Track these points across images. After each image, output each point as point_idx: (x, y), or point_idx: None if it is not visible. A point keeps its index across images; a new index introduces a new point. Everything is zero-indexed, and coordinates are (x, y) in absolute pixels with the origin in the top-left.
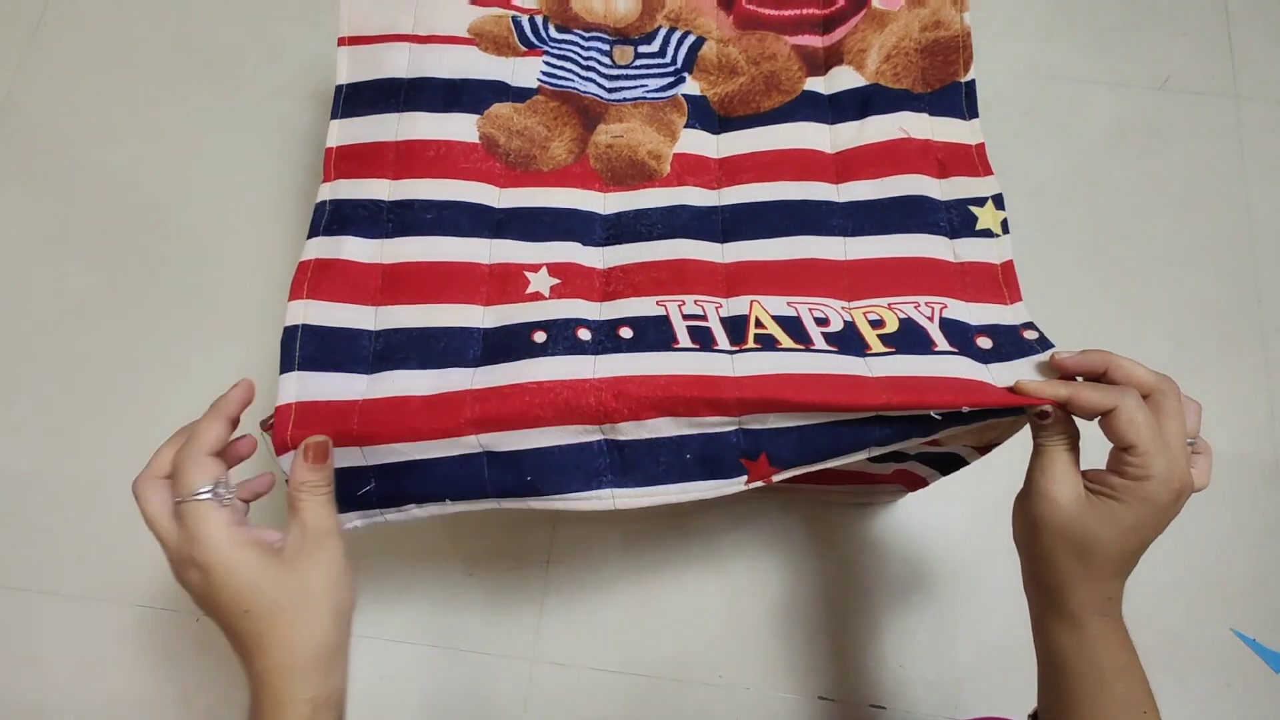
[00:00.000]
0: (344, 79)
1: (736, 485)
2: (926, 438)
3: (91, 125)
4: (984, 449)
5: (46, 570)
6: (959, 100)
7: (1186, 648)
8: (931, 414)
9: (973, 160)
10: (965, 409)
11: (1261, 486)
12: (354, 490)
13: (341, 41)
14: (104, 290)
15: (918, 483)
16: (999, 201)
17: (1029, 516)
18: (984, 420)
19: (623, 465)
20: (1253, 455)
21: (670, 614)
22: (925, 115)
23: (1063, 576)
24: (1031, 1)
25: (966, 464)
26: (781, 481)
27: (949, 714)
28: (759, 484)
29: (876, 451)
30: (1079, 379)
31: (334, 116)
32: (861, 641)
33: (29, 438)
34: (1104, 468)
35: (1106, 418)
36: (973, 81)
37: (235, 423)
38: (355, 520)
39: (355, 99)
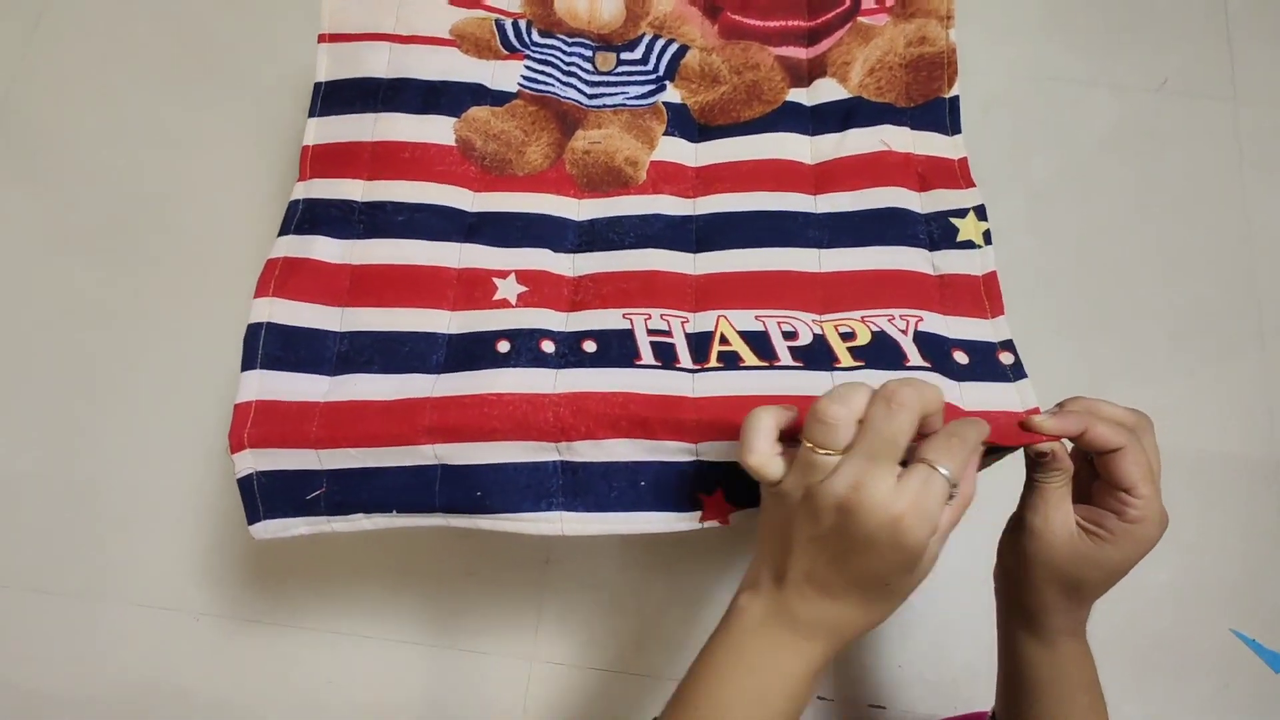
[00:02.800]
0: (323, 76)
1: (690, 522)
2: None
3: (91, 125)
4: None
5: (46, 570)
6: (942, 115)
7: (1185, 648)
8: None
9: (954, 174)
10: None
11: (1261, 487)
12: (303, 494)
13: (322, 39)
14: (104, 289)
15: None
16: (981, 213)
17: (1020, 551)
18: None
19: (575, 488)
20: (1252, 456)
21: (670, 613)
22: (907, 129)
23: (1046, 606)
24: (1031, 2)
25: None
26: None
27: (948, 714)
28: (714, 524)
29: None
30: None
31: (311, 114)
32: (861, 641)
33: (29, 437)
34: (1094, 504)
35: (1111, 456)
36: (956, 98)
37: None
38: (301, 528)
39: (333, 97)
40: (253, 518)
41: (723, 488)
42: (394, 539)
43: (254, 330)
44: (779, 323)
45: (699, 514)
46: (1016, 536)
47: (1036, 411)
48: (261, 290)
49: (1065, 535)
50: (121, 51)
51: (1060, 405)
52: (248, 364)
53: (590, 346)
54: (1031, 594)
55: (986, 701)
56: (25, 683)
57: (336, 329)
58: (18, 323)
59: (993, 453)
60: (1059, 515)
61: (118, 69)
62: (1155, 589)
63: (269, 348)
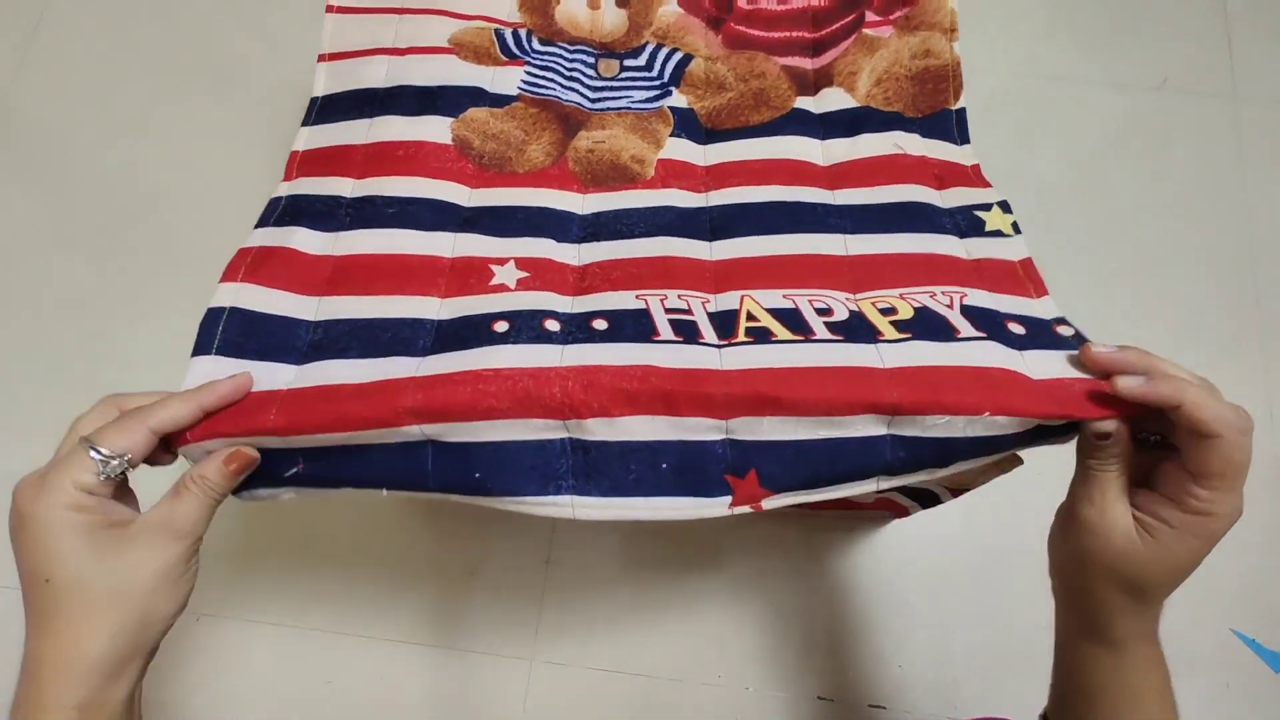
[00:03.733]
0: (320, 92)
1: (718, 508)
2: (944, 469)
3: (90, 124)
4: (957, 491)
5: None
6: (950, 126)
7: (1186, 648)
8: (955, 435)
9: (969, 177)
10: (988, 415)
11: (1261, 486)
12: (281, 471)
13: (321, 58)
14: (103, 289)
15: (901, 511)
16: (1006, 206)
17: (1073, 548)
18: (1013, 447)
19: (587, 469)
20: (1252, 455)
21: (670, 613)
22: (918, 136)
23: (1109, 608)
24: (1031, 2)
25: (941, 502)
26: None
27: (949, 714)
28: (745, 509)
29: (885, 484)
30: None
31: (305, 124)
32: (861, 641)
33: (28, 437)
34: (1155, 490)
35: (1204, 440)
36: (963, 109)
37: (206, 413)
38: (289, 494)
39: (329, 108)
40: (235, 490)
41: (757, 469)
42: (395, 538)
43: (213, 315)
44: (810, 300)
45: (729, 499)
46: (1068, 531)
47: (1105, 387)
48: (229, 275)
49: (1124, 529)
50: (121, 51)
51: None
52: (201, 349)
53: (600, 324)
54: (1089, 595)
55: (987, 701)
56: None
57: (310, 318)
58: (17, 321)
59: (1066, 432)
60: (1118, 507)
61: (118, 69)
62: None
63: (229, 333)
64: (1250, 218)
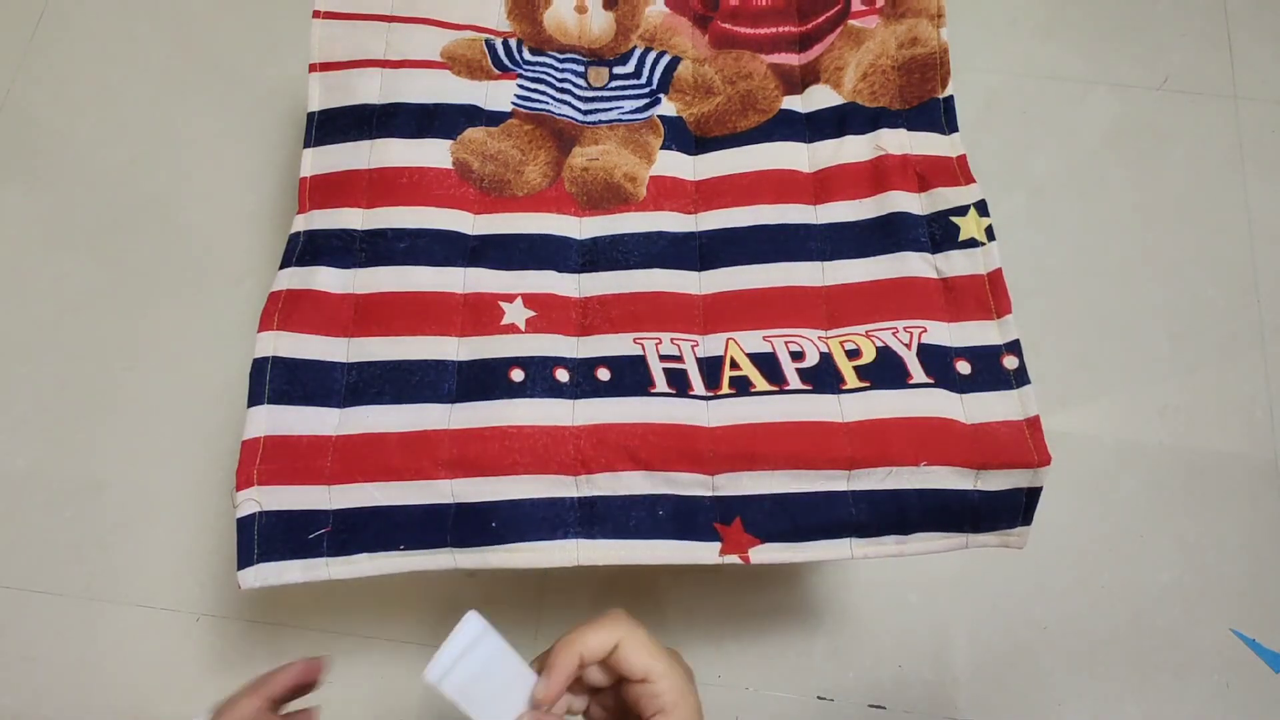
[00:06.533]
0: (316, 106)
1: (709, 554)
2: (908, 540)
3: (91, 124)
4: None
5: (46, 570)
6: (938, 116)
7: (1186, 648)
8: (902, 487)
9: (953, 171)
10: (924, 465)
11: (1261, 487)
12: (306, 533)
13: (312, 68)
14: (104, 289)
15: None
16: (982, 208)
17: None
18: (960, 525)
19: (592, 518)
20: (1252, 456)
21: (669, 614)
22: (903, 130)
23: None
24: (1031, 1)
25: None
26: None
27: (949, 714)
28: (734, 559)
29: (859, 550)
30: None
31: (306, 145)
32: (860, 641)
33: (29, 436)
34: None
35: (616, 658)
36: (951, 97)
37: (274, 702)
38: (295, 573)
39: (328, 126)
40: (244, 562)
41: (741, 517)
42: None
43: (259, 365)
44: (786, 342)
45: (719, 545)
46: None
47: (1037, 421)
48: (265, 324)
49: None
50: (121, 51)
51: (546, 654)
52: (254, 399)
53: (604, 375)
54: None
55: (986, 701)
56: (26, 683)
57: (344, 360)
58: (18, 322)
59: (1009, 524)
60: None
61: (118, 69)
62: (1156, 589)
63: (275, 382)
64: (1250, 218)
